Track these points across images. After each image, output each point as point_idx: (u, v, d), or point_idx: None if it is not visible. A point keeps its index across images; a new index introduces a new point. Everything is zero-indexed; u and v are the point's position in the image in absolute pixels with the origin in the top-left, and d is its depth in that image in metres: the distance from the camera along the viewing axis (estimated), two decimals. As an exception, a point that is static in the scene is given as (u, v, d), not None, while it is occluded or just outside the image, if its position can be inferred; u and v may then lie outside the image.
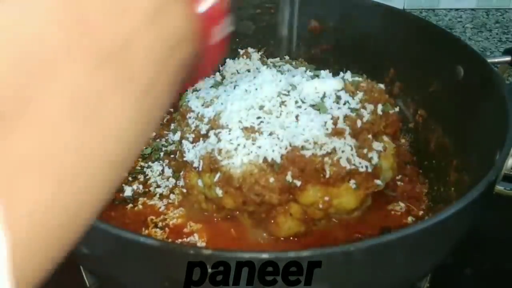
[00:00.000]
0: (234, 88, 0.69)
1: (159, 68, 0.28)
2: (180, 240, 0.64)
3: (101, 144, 0.25)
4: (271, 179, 0.58)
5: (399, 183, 0.71)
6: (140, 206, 0.69)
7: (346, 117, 0.62)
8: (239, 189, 0.58)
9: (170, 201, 0.69)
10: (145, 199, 0.70)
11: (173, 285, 0.48)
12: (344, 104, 0.65)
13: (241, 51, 0.85)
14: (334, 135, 0.60)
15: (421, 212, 0.69)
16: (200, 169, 0.61)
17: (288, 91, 0.64)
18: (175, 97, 0.32)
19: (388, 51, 0.81)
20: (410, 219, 0.68)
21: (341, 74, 0.73)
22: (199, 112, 0.68)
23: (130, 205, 0.69)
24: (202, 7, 0.29)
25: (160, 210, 0.68)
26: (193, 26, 0.29)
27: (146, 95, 0.27)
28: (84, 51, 0.24)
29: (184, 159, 0.65)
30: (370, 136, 0.63)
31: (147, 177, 0.73)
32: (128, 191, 0.70)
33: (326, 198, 0.59)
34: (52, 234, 0.23)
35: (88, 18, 0.25)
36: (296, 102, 0.63)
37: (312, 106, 0.63)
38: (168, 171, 0.73)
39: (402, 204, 0.69)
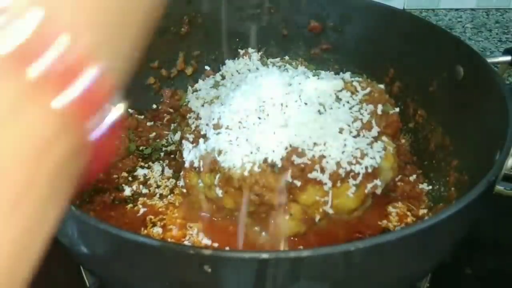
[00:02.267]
0: (235, 88, 0.69)
1: (25, 177, 0.23)
2: (180, 240, 0.64)
3: None
4: (271, 180, 0.58)
5: (399, 183, 0.71)
6: (140, 206, 0.69)
7: (346, 117, 0.62)
8: (239, 189, 0.58)
9: (170, 201, 0.69)
10: (145, 199, 0.70)
11: (173, 285, 0.48)
12: (344, 104, 0.65)
13: (241, 51, 0.85)
14: (334, 136, 0.60)
15: (421, 212, 0.69)
16: (200, 169, 0.61)
17: (288, 92, 0.64)
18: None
19: (388, 51, 0.81)
20: (410, 219, 0.68)
21: (341, 74, 0.73)
22: (199, 112, 0.68)
23: (130, 205, 0.69)
24: (69, 96, 0.24)
25: (160, 210, 0.68)
26: (64, 120, 0.24)
27: (13, 212, 0.23)
28: None
29: (184, 159, 0.65)
30: (370, 136, 0.63)
31: (147, 177, 0.73)
32: (128, 191, 0.70)
33: (326, 199, 0.59)
34: None
35: None
36: (296, 102, 0.63)
37: (312, 106, 0.63)
38: (168, 171, 0.73)
39: (402, 204, 0.69)
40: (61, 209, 0.26)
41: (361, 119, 0.63)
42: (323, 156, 0.58)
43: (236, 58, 0.83)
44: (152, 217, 0.67)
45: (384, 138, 0.65)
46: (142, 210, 0.68)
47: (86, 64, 0.24)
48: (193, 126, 0.67)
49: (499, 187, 0.55)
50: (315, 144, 0.59)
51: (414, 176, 0.74)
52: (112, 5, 0.26)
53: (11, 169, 0.23)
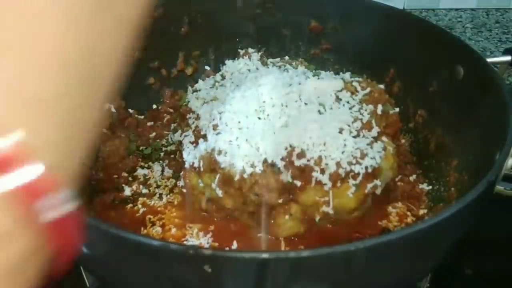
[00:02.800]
0: (235, 88, 0.69)
1: None
2: (179, 240, 0.64)
3: None
4: (271, 180, 0.58)
5: (399, 183, 0.71)
6: (140, 206, 0.69)
7: (346, 117, 0.62)
8: (239, 189, 0.58)
9: (170, 201, 0.69)
10: (145, 199, 0.70)
11: (173, 285, 0.48)
12: (344, 104, 0.65)
13: (241, 51, 0.85)
14: (334, 136, 0.60)
15: (421, 212, 0.69)
16: (201, 169, 0.61)
17: (288, 92, 0.64)
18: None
19: (388, 51, 0.81)
20: (410, 219, 0.68)
21: (341, 74, 0.73)
22: (199, 112, 0.68)
23: (130, 205, 0.69)
24: (7, 187, 0.23)
25: (160, 210, 0.68)
26: (7, 215, 0.23)
27: None
28: None
29: (184, 159, 0.65)
30: (370, 136, 0.63)
31: (147, 177, 0.73)
32: (128, 191, 0.70)
33: (326, 199, 0.59)
34: None
35: None
36: (296, 102, 0.63)
37: (312, 106, 0.63)
38: (168, 171, 0.73)
39: (402, 204, 0.69)
40: None
41: (361, 119, 0.63)
42: (323, 156, 0.58)
43: (236, 58, 0.83)
44: (152, 217, 0.67)
45: (384, 138, 0.65)
46: (142, 210, 0.68)
47: (24, 159, 0.23)
48: (193, 126, 0.67)
49: (499, 187, 0.55)
50: (315, 144, 0.59)
51: (414, 176, 0.74)
52: (58, 103, 0.25)
53: None
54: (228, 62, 0.82)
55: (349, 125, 0.62)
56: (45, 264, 0.25)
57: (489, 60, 0.68)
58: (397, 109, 0.70)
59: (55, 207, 0.24)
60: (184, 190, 0.66)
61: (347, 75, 0.72)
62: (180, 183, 0.68)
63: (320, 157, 0.58)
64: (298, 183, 0.58)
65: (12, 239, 0.23)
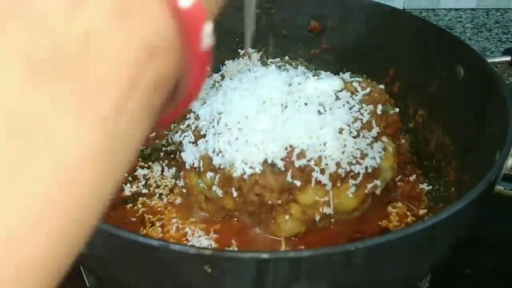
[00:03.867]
0: (234, 88, 0.69)
1: (130, 82, 0.21)
2: (179, 240, 0.63)
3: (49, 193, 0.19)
4: (271, 180, 0.58)
5: (399, 183, 0.71)
6: (140, 206, 0.69)
7: (346, 117, 0.62)
8: (239, 189, 0.58)
9: (169, 201, 0.69)
10: (144, 199, 0.70)
11: (173, 285, 0.48)
12: (344, 104, 0.65)
13: (241, 51, 0.85)
14: (334, 136, 0.60)
15: (421, 212, 0.69)
16: (201, 169, 0.61)
17: (288, 92, 0.64)
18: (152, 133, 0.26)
19: (388, 51, 0.81)
20: (410, 219, 0.68)
21: (341, 74, 0.73)
22: (199, 113, 0.68)
23: (130, 205, 0.69)
24: (186, 2, 0.22)
25: (160, 210, 0.68)
26: (174, 27, 0.22)
27: (113, 120, 0.20)
28: (14, 50, 0.18)
29: (184, 159, 0.65)
30: (370, 136, 0.63)
31: (147, 177, 0.73)
32: (128, 191, 0.70)
33: (326, 199, 0.59)
34: None
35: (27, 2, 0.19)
36: (296, 102, 0.63)
37: (312, 106, 0.63)
38: (168, 171, 0.73)
39: (402, 204, 0.69)
40: (138, 146, 0.24)
41: (361, 119, 0.63)
42: (323, 157, 0.58)
43: (236, 58, 0.83)
44: (151, 217, 0.67)
45: (384, 138, 0.65)
46: (141, 210, 0.68)
47: None
48: (193, 127, 0.67)
49: (499, 187, 0.55)
50: (315, 144, 0.59)
51: (414, 176, 0.74)
52: None
53: (113, 70, 0.20)
54: (228, 62, 0.82)
55: (349, 125, 0.62)
56: (170, 73, 0.24)
57: (489, 60, 0.68)
58: (397, 109, 0.70)
59: (203, 37, 0.24)
60: (184, 190, 0.67)
61: (347, 75, 0.72)
62: (180, 183, 0.68)
63: (320, 157, 0.58)
64: (298, 183, 0.58)
65: (169, 52, 0.23)
